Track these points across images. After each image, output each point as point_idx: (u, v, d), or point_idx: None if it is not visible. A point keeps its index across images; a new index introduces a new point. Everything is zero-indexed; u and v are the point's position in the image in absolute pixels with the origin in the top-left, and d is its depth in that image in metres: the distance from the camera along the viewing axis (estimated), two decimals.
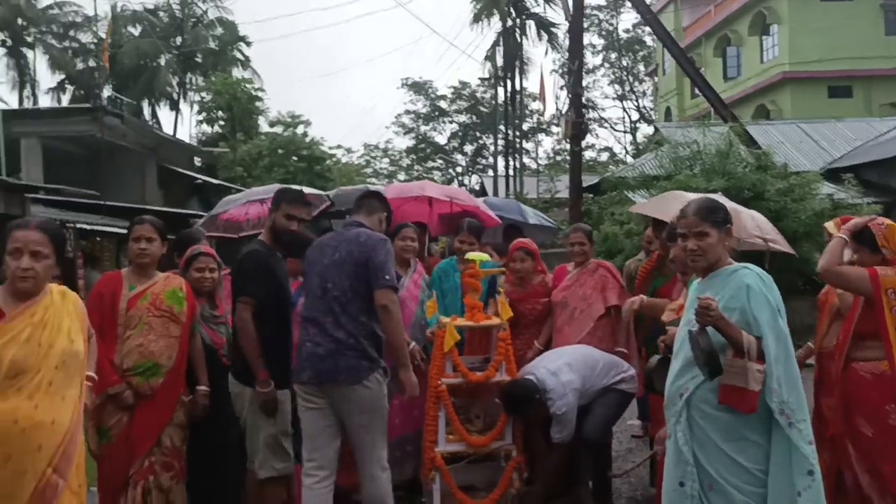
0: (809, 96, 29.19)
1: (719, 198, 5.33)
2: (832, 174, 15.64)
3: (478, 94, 48.20)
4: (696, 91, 27.52)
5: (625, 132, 48.27)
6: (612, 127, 48.49)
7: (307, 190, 7.50)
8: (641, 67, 46.64)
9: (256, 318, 4.07)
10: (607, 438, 4.98)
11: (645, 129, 45.45)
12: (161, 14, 40.33)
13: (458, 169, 51.19)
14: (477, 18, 37.34)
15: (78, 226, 12.19)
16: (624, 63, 46.82)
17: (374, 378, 4.00)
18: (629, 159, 36.57)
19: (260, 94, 32.70)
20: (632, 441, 6.72)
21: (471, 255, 5.00)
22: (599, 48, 46.44)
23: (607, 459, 5.07)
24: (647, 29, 32.92)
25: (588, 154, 43.35)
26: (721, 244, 3.08)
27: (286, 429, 4.20)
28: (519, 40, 36.87)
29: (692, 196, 4.36)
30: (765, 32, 32.24)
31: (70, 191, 15.16)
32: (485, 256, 5.10)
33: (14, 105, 32.79)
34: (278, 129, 31.38)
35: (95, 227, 12.97)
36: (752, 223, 5.08)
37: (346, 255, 4.08)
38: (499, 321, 4.85)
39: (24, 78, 37.67)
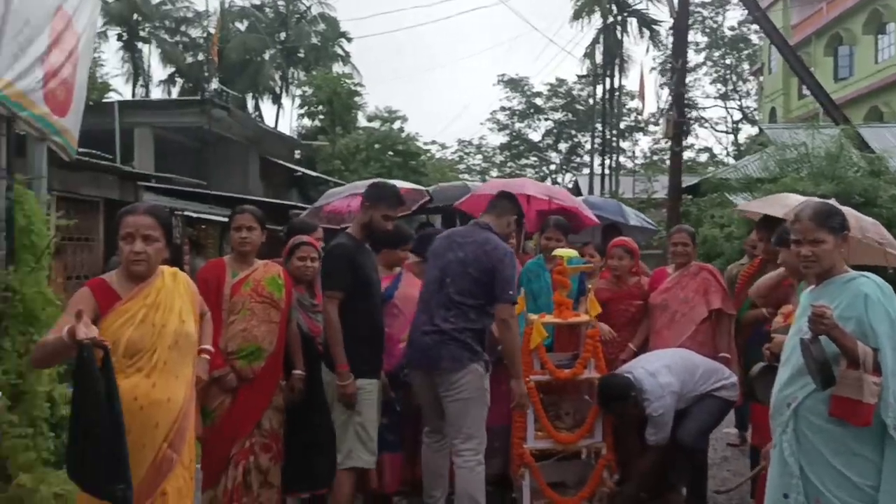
0: None
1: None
2: None
3: (574, 92, 47.70)
4: (804, 91, 26.53)
5: (726, 133, 46.91)
6: (712, 127, 47.20)
7: (408, 185, 7.62)
8: (746, 66, 45.16)
9: (344, 311, 4.14)
10: (703, 445, 4.87)
11: (747, 130, 44.06)
12: (267, 10, 41.55)
13: (552, 167, 50.83)
14: (577, 15, 36.98)
15: (185, 213, 12.68)
16: (727, 62, 45.45)
17: (474, 368, 4.18)
18: (730, 161, 35.50)
19: (359, 89, 33.29)
20: (727, 449, 6.56)
21: (558, 252, 4.98)
22: (702, 46, 45.22)
23: (703, 467, 4.96)
24: (753, 27, 31.97)
25: (687, 154, 42.17)
26: (836, 251, 2.96)
27: (374, 419, 4.25)
28: (619, 37, 36.31)
29: (803, 198, 4.23)
30: (880, 31, 30.71)
31: (179, 179, 15.80)
32: (573, 253, 5.09)
33: (128, 97, 34.33)
34: (375, 124, 31.88)
35: (201, 215, 13.46)
36: (869, 225, 4.88)
37: (471, 256, 4.25)
38: (587, 318, 4.85)
39: (137, 71, 39.47)
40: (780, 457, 2.96)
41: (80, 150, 10.18)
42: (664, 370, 4.63)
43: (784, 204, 4.78)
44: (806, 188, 10.45)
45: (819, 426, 2.85)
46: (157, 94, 39.43)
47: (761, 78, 41.14)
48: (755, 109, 43.81)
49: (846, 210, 3.79)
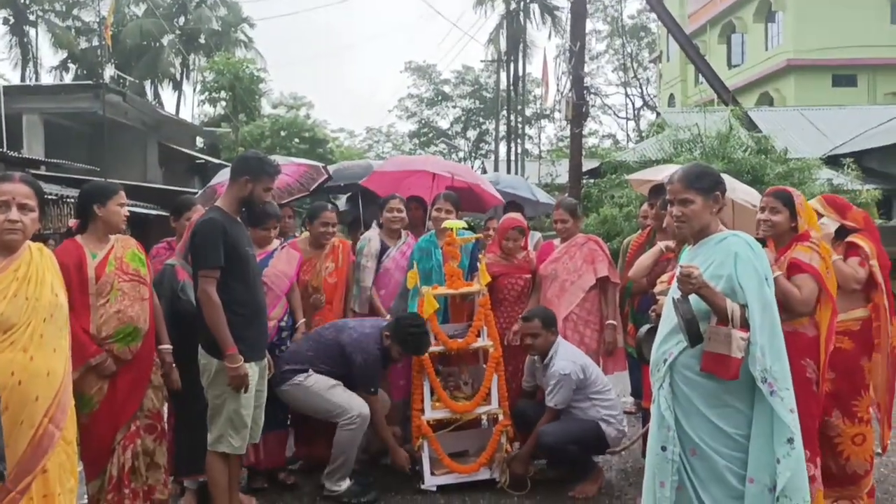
0: (814, 84, 29.16)
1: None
2: (833, 161, 15.64)
3: (481, 80, 48.10)
4: (700, 78, 27.52)
5: (628, 119, 48.18)
6: (615, 114, 48.42)
7: (305, 161, 7.49)
8: (646, 54, 46.47)
9: (219, 290, 3.88)
10: (561, 446, 4.74)
11: (649, 117, 45.34)
12: None
13: (461, 154, 51.15)
14: (480, 1, 37.17)
15: None
16: (628, 50, 46.65)
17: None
18: (632, 146, 36.53)
19: (262, 74, 32.70)
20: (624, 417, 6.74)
21: (447, 224, 5.08)
22: (604, 34, 46.32)
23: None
24: (653, 15, 32.85)
25: (591, 141, 43.39)
26: (706, 211, 3.05)
27: (250, 405, 4.04)
28: (522, 23, 36.72)
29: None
30: (770, 20, 32.18)
31: (71, 166, 15.21)
32: (461, 224, 5.19)
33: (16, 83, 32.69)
34: (281, 111, 31.44)
35: None
36: (742, 191, 5.12)
37: None
38: (478, 287, 4.95)
39: (26, 56, 37.60)
40: (657, 411, 3.06)
41: None
42: (579, 352, 4.85)
43: (671, 170, 4.95)
44: None
45: (693, 380, 2.95)
46: (48, 80, 37.70)
47: (660, 65, 42.45)
48: (655, 96, 45.15)
49: (725, 177, 3.94)
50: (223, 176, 7.22)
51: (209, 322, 3.87)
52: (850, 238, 4.36)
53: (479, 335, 4.92)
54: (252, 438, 4.15)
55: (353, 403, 4.63)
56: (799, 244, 3.83)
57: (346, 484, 4.70)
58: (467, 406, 4.86)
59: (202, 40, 39.14)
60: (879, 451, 4.53)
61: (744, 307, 2.88)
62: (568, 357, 4.75)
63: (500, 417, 4.89)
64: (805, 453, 3.76)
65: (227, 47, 38.07)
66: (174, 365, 4.22)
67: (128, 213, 4.10)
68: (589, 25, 27.64)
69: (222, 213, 4.01)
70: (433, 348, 4.84)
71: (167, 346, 4.17)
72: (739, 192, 4.70)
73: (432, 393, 4.84)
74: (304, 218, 5.54)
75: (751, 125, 15.15)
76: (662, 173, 5.18)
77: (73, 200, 11.99)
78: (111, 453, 3.96)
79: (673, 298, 2.97)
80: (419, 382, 4.84)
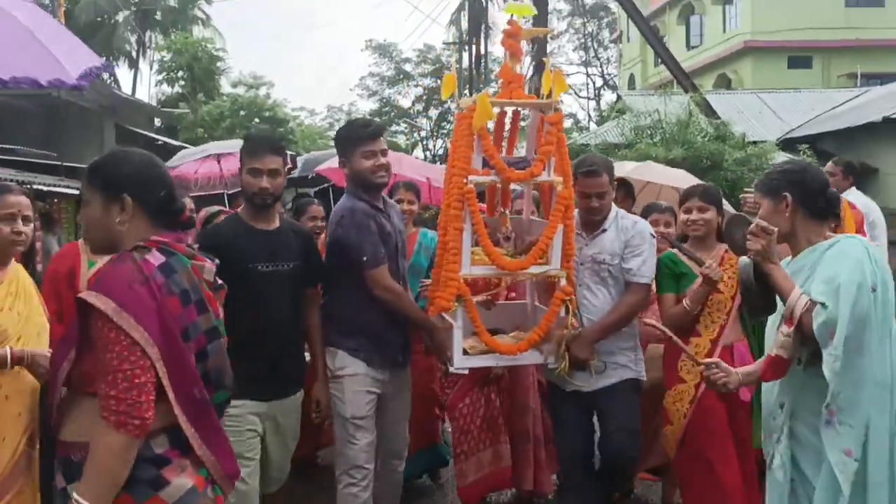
0: (770, 66, 29.55)
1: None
2: (789, 144, 15.95)
3: (443, 58, 47.89)
4: (660, 59, 27.79)
5: (588, 99, 48.40)
6: (576, 94, 48.59)
7: None
8: (606, 34, 46.65)
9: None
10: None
11: (609, 97, 45.62)
12: None
13: (423, 133, 50.98)
14: None
15: (35, 187, 11.93)
16: (589, 29, 46.79)
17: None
18: (592, 126, 36.77)
19: (221, 53, 32.16)
20: None
21: (511, 7, 3.70)
22: (565, 13, 46.36)
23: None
24: None
25: None
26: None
27: (243, 441, 3.26)
28: (484, 4, 36.60)
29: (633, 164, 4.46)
30: (728, 1, 32.47)
31: (26, 150, 14.86)
32: (528, 9, 3.86)
33: None
34: (240, 91, 30.97)
35: (53, 189, 12.72)
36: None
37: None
38: (549, 101, 3.53)
39: None
40: (780, 471, 2.58)
41: None
42: None
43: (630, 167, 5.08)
44: (658, 153, 11.06)
45: (812, 423, 2.48)
46: None
47: (620, 46, 42.66)
48: (616, 76, 45.43)
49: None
50: (179, 160, 7.11)
51: None
52: None
53: (545, 166, 3.46)
54: (264, 486, 3.43)
55: (354, 448, 3.58)
56: None
57: None
58: (519, 263, 3.43)
59: (158, 17, 38.30)
60: None
61: (815, 303, 2.37)
62: (631, 216, 3.78)
63: (563, 282, 3.47)
64: None
65: (184, 25, 37.31)
66: None
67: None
68: (549, 5, 27.74)
69: (232, 221, 3.50)
70: (482, 178, 3.45)
71: None
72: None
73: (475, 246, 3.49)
74: (290, 212, 5.48)
75: (709, 111, 15.39)
76: (624, 168, 5.30)
77: (29, 186, 11.74)
78: None
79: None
80: (458, 226, 3.38)
